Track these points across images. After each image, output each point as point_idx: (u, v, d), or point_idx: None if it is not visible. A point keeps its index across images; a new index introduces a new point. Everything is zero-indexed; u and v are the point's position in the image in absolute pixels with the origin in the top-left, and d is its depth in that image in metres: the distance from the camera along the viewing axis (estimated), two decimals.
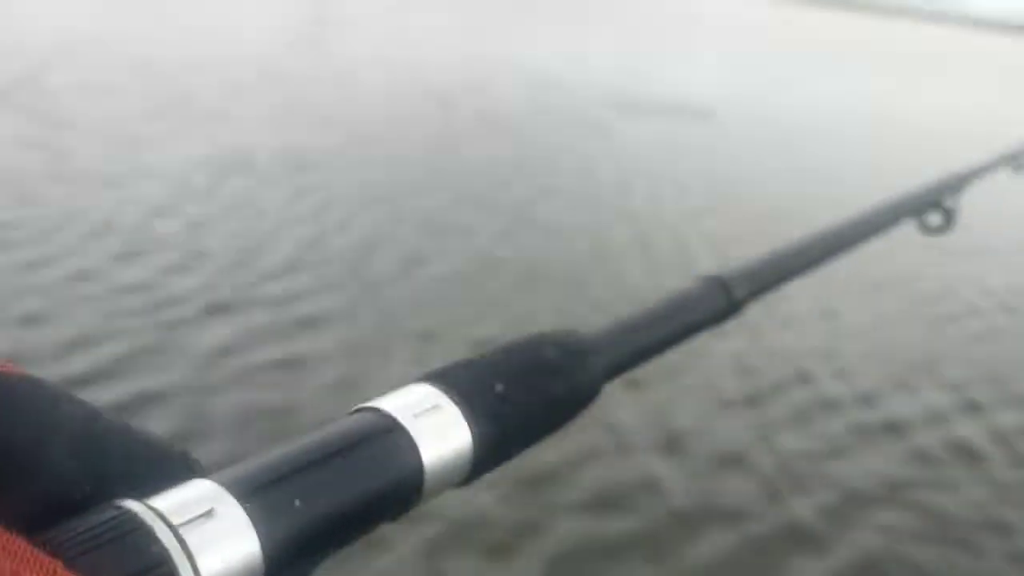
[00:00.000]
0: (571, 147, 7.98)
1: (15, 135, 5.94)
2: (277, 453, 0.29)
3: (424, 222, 5.28)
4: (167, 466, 0.28)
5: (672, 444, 3.13)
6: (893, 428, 3.46)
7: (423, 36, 15.56)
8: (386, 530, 0.34)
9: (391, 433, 0.32)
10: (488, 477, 0.37)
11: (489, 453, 0.36)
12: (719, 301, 0.56)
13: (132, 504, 0.25)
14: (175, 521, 0.25)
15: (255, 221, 4.96)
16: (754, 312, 0.63)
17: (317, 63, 11.02)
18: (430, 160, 6.93)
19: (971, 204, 1.12)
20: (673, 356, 0.52)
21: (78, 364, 3.09)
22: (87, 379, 2.97)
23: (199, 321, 3.56)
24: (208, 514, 0.26)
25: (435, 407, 0.34)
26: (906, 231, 0.98)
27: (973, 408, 3.70)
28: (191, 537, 0.25)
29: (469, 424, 0.35)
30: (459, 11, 21.50)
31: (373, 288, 4.19)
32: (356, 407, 0.33)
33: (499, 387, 0.37)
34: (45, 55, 8.67)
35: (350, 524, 0.30)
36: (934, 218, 0.99)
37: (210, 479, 0.27)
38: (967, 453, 3.34)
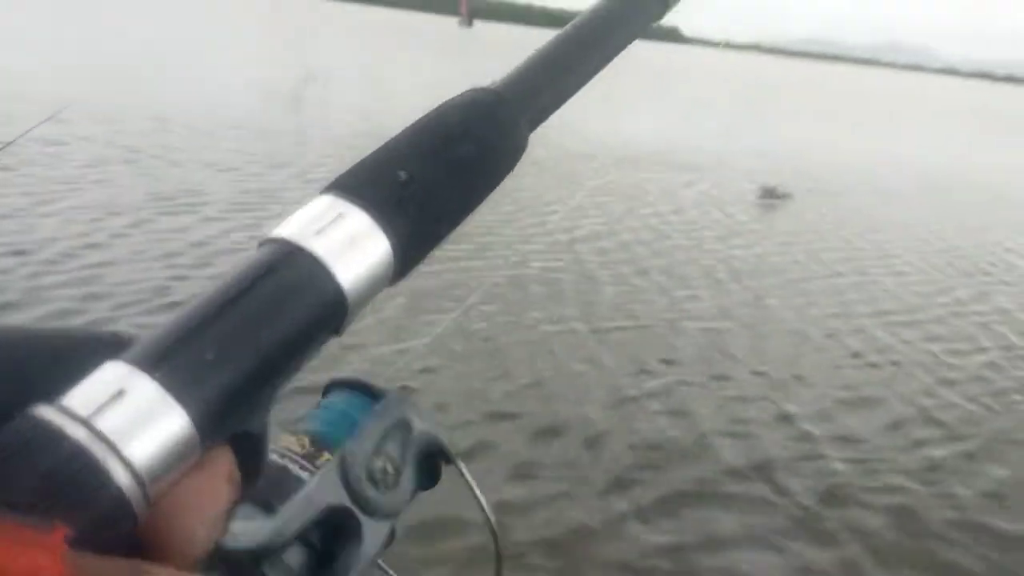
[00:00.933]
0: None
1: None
2: (181, 314, 0.28)
3: None
4: (87, 357, 0.26)
5: None
6: None
7: (403, 87, 16.26)
8: None
9: (294, 259, 0.30)
10: None
11: (412, 245, 0.33)
12: (652, 2, 0.46)
13: (40, 409, 0.24)
14: (84, 413, 0.24)
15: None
16: None
17: (297, 117, 11.65)
18: None
19: None
20: None
21: None
22: None
23: None
24: (118, 396, 0.24)
25: (335, 215, 0.32)
26: None
27: None
28: (105, 425, 0.24)
29: (378, 222, 0.32)
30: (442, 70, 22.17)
31: None
32: (258, 241, 0.31)
33: (402, 174, 0.34)
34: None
35: (277, 365, 0.29)
36: None
37: (119, 359, 0.26)
38: None
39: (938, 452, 3.83)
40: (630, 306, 5.28)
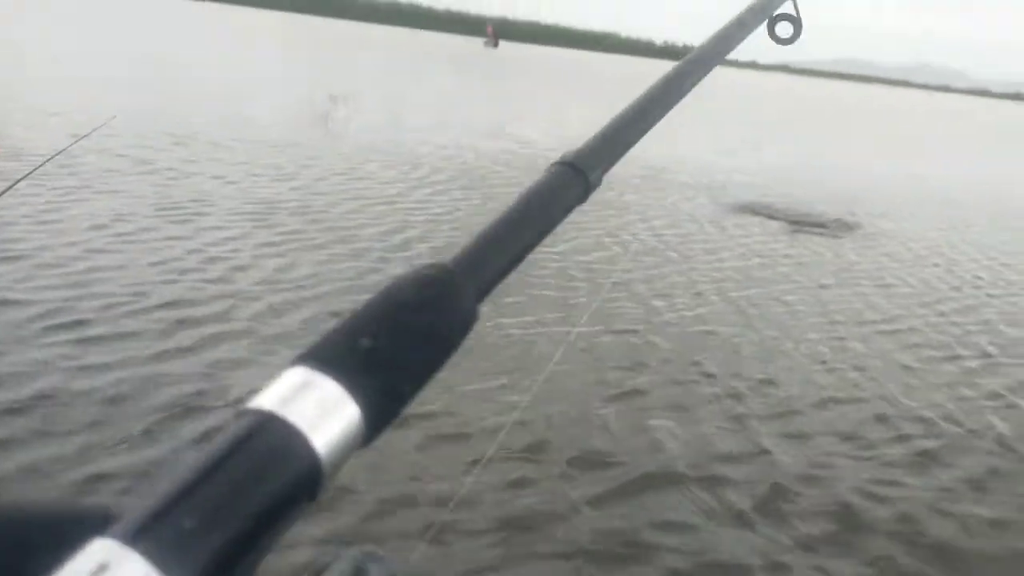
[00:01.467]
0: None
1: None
2: (165, 485, 0.29)
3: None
4: (76, 535, 0.27)
5: None
6: None
7: (416, 107, 16.53)
8: None
9: (272, 429, 0.32)
10: None
11: (379, 408, 0.35)
12: (575, 184, 0.54)
13: None
14: None
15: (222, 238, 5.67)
16: None
17: (316, 133, 11.99)
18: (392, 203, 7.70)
19: None
20: None
21: None
22: None
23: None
24: (102, 572, 0.25)
25: (308, 385, 0.34)
26: None
27: None
28: None
29: (348, 390, 0.34)
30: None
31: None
32: (236, 411, 0.33)
33: (364, 342, 0.37)
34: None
35: (259, 532, 0.30)
36: (783, 28, 0.93)
37: (105, 535, 0.27)
38: None
39: (888, 454, 3.93)
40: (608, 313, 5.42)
